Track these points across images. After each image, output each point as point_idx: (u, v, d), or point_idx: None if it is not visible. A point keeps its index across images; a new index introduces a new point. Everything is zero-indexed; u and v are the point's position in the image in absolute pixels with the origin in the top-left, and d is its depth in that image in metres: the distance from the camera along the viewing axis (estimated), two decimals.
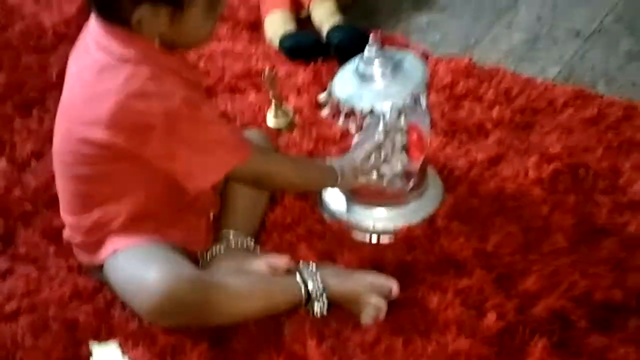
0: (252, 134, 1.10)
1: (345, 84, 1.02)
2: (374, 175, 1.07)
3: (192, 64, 1.00)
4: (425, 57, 1.41)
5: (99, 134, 0.84)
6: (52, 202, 1.12)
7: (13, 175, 1.18)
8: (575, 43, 1.47)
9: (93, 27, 0.86)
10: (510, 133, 1.20)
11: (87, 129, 0.85)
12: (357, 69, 1.02)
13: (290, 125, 1.25)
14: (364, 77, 1.00)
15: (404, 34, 1.53)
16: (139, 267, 0.86)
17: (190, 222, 0.98)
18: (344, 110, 1.01)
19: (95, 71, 0.84)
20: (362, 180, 1.01)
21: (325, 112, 1.03)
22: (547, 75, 1.38)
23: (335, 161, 1.01)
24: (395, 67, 0.99)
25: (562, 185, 1.09)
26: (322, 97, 1.04)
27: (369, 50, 0.99)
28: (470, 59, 1.39)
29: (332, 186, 1.03)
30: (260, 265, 0.93)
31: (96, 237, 0.93)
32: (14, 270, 1.02)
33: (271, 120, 1.25)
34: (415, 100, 1.00)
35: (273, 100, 1.23)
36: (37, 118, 1.31)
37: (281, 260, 0.93)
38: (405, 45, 1.45)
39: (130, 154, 0.85)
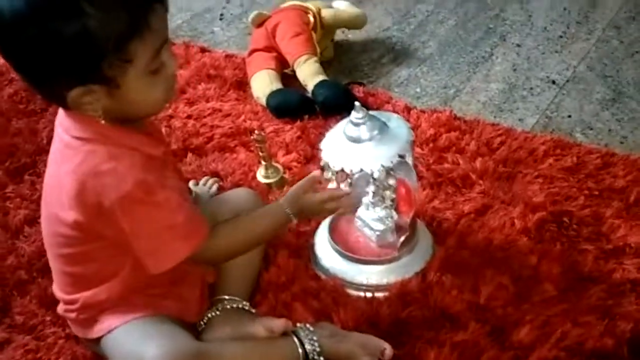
0: (242, 193, 1.12)
1: (334, 146, 1.05)
2: (366, 229, 1.10)
3: (157, 131, 0.95)
4: (407, 110, 1.45)
5: (67, 215, 0.85)
6: (47, 269, 1.11)
7: (7, 243, 1.19)
8: (550, 92, 1.53)
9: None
10: (494, 183, 1.23)
11: (59, 211, 0.87)
12: (345, 131, 1.05)
13: (281, 182, 1.27)
14: (352, 139, 1.03)
15: (385, 89, 1.58)
16: (137, 345, 0.87)
17: (183, 294, 0.98)
18: (334, 171, 1.04)
19: (60, 152, 0.86)
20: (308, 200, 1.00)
21: (327, 175, 1.05)
22: (526, 124, 1.43)
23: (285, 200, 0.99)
24: (382, 129, 1.02)
25: (548, 234, 1.12)
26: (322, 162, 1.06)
27: (356, 114, 1.03)
28: (451, 111, 1.44)
29: (288, 222, 0.99)
30: (257, 329, 0.94)
31: (89, 314, 0.93)
32: (11, 341, 1.02)
33: (262, 178, 1.28)
34: (402, 157, 1.03)
35: (263, 159, 1.26)
36: (29, 183, 1.32)
37: (278, 323, 0.93)
38: (388, 100, 1.49)
39: (100, 233, 0.86)
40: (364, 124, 1.02)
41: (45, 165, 1.34)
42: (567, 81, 1.56)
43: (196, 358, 0.85)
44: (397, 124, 1.05)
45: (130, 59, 0.76)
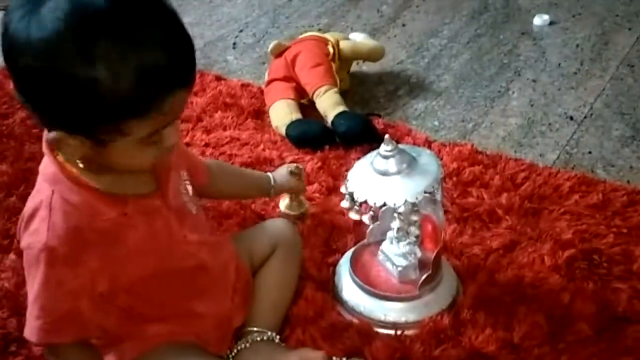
0: (279, 223, 1.11)
1: (361, 177, 1.04)
2: (388, 264, 1.08)
3: (162, 180, 0.86)
4: (428, 143, 1.44)
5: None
6: None
7: (23, 271, 1.14)
8: (569, 128, 1.53)
9: None
10: (521, 219, 1.22)
11: None
12: (372, 163, 1.03)
13: (304, 216, 1.25)
14: (380, 172, 1.02)
15: (403, 121, 1.57)
16: None
17: (200, 336, 0.94)
18: (358, 202, 1.02)
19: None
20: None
21: (344, 204, 1.04)
22: (547, 160, 1.42)
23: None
24: (411, 164, 1.01)
25: (578, 272, 1.11)
26: (343, 189, 1.05)
27: (386, 147, 1.01)
28: (473, 145, 1.43)
29: None
30: (291, 358, 0.92)
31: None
32: None
33: (284, 208, 1.25)
34: (430, 193, 1.02)
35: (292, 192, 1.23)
36: None
37: (316, 356, 0.91)
38: (407, 133, 1.48)
39: None
40: (392, 157, 1.01)
41: None
42: (585, 117, 1.56)
43: None
44: (428, 160, 1.03)
45: (128, 133, 0.72)
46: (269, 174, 1.18)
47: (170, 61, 0.70)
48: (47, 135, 0.76)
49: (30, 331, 0.80)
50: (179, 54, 0.71)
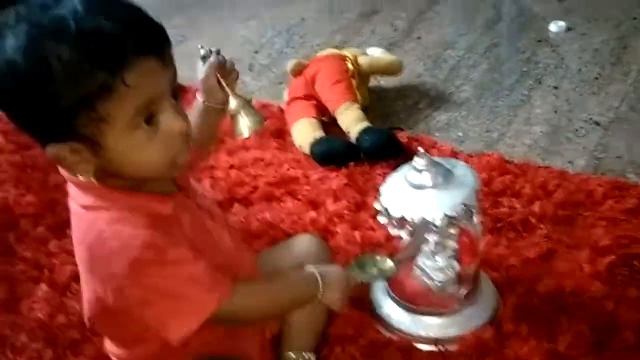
0: (305, 239, 1.09)
1: (395, 192, 1.02)
2: (425, 279, 1.06)
3: (183, 186, 0.86)
4: (454, 155, 1.43)
5: (84, 283, 0.84)
6: None
7: (55, 301, 1.15)
8: (596, 133, 1.51)
9: None
10: (556, 227, 1.20)
11: (81, 275, 0.85)
12: (406, 177, 1.02)
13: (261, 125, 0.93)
14: (415, 186, 1.00)
15: (426, 133, 1.56)
16: None
17: (240, 347, 0.94)
18: (394, 218, 1.01)
19: (71, 221, 0.82)
20: (345, 289, 0.93)
21: (382, 220, 1.03)
22: (576, 166, 1.40)
23: (317, 269, 0.92)
24: (446, 176, 0.99)
25: (619, 279, 1.08)
26: (376, 205, 1.04)
27: (420, 160, 1.00)
28: (500, 154, 1.42)
29: (313, 298, 0.91)
30: None
31: None
32: None
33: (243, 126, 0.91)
34: (466, 205, 1.00)
35: (232, 95, 0.91)
36: (72, 239, 1.28)
37: None
38: (433, 145, 1.47)
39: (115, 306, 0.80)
40: (427, 170, 0.99)
41: None
42: (611, 122, 1.54)
43: None
44: (464, 172, 1.02)
45: (104, 118, 0.69)
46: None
47: (115, 28, 0.68)
48: (49, 153, 0.73)
49: (203, 306, 0.79)
50: (122, 20, 0.69)
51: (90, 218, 0.78)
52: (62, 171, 0.78)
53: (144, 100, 0.71)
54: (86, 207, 0.78)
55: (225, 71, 0.90)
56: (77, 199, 0.79)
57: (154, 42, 0.72)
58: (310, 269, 0.91)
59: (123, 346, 0.90)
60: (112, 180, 0.77)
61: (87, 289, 0.84)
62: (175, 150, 0.76)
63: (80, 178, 0.76)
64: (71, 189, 0.80)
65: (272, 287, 0.90)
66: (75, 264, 1.19)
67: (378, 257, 1.04)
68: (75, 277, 1.19)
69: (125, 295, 0.77)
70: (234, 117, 0.89)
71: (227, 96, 0.89)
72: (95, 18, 0.67)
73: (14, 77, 0.69)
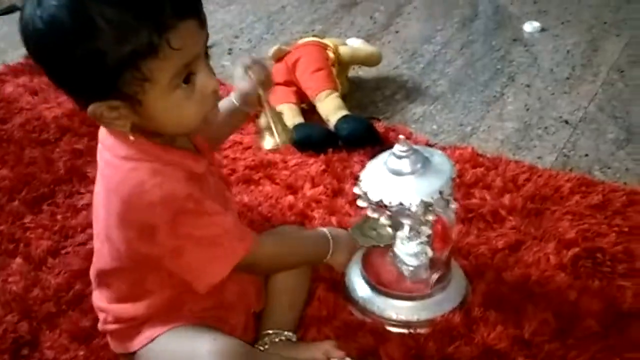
0: (291, 228, 1.12)
1: (375, 177, 1.05)
2: (399, 264, 1.09)
3: (200, 143, 0.91)
4: (429, 147, 1.46)
5: (113, 234, 0.84)
6: (77, 302, 1.09)
7: (30, 275, 1.15)
8: (565, 132, 1.56)
9: None
10: (524, 220, 1.24)
11: (104, 229, 0.86)
12: (386, 163, 1.05)
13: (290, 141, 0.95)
14: (394, 172, 1.03)
15: (402, 124, 1.59)
16: (187, 344, 0.85)
17: (228, 318, 0.96)
18: (373, 202, 1.04)
19: (102, 171, 0.85)
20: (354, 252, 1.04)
21: (361, 203, 1.05)
22: (545, 162, 1.45)
23: (329, 230, 1.02)
24: (425, 164, 1.02)
25: (583, 270, 1.13)
26: (356, 189, 1.06)
27: (400, 147, 1.03)
28: (473, 148, 1.45)
29: (323, 257, 0.99)
30: (315, 354, 0.95)
31: (129, 325, 0.91)
32: None
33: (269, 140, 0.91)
34: (441, 193, 1.03)
35: (269, 109, 0.91)
36: (49, 214, 1.29)
37: (339, 355, 0.95)
38: (408, 136, 1.50)
39: (144, 253, 0.84)
40: (407, 157, 1.02)
41: (65, 196, 1.33)
42: (580, 121, 1.59)
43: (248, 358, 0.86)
44: (441, 160, 1.05)
45: (148, 77, 0.73)
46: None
47: None
48: (89, 111, 0.76)
49: (234, 254, 0.84)
50: None
51: (129, 167, 0.80)
52: (106, 131, 0.83)
53: (185, 61, 0.74)
54: (125, 158, 0.80)
55: (264, 83, 0.91)
56: (114, 150, 0.81)
57: (193, 4, 0.75)
58: (323, 230, 1.00)
59: (126, 300, 0.90)
60: (144, 137, 0.80)
61: (111, 239, 0.85)
62: (208, 108, 0.80)
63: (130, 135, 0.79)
64: (107, 140, 0.82)
65: (292, 241, 1.00)
66: (52, 240, 1.21)
67: (378, 222, 1.06)
68: (52, 253, 1.20)
69: (161, 244, 0.80)
70: (263, 129, 0.91)
71: (261, 107, 0.91)
72: None
73: (59, 33, 0.70)
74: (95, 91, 0.74)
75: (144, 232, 0.81)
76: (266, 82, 0.92)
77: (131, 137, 0.79)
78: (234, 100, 0.96)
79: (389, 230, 1.06)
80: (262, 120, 0.91)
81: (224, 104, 0.95)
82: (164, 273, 0.86)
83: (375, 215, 1.03)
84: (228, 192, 0.94)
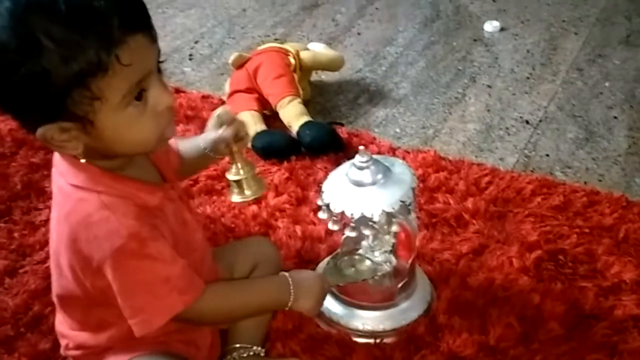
0: (261, 241, 1.11)
1: (336, 188, 1.04)
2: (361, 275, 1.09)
3: (165, 170, 0.87)
4: (392, 151, 1.47)
5: (64, 262, 0.81)
6: (36, 324, 1.07)
7: None
8: (526, 132, 1.57)
9: None
10: (487, 223, 1.25)
11: (58, 256, 0.82)
12: (348, 174, 1.04)
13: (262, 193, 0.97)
14: (355, 183, 1.02)
15: (365, 129, 1.59)
16: None
17: (194, 340, 0.94)
18: (335, 213, 1.03)
19: (55, 196, 0.82)
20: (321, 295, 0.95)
21: (322, 216, 1.05)
22: (507, 163, 1.46)
23: (292, 275, 0.93)
24: (386, 174, 1.02)
25: (546, 273, 1.14)
26: (318, 201, 1.05)
27: (361, 158, 1.02)
28: (436, 151, 1.46)
29: (284, 305, 0.92)
30: None
31: (91, 352, 0.89)
32: None
33: (230, 177, 0.92)
34: (404, 202, 1.03)
35: (240, 164, 0.91)
36: (5, 231, 1.25)
37: None
38: (371, 141, 1.50)
39: (90, 286, 0.81)
40: (367, 168, 1.02)
41: (22, 213, 1.30)
42: (540, 121, 1.61)
43: None
44: (402, 170, 1.05)
45: (98, 96, 0.69)
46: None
47: (109, 8, 0.68)
48: (39, 134, 0.73)
49: (171, 307, 0.79)
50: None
51: (78, 197, 0.77)
52: (57, 156, 0.79)
53: (137, 77, 0.71)
54: (76, 186, 0.77)
55: (237, 137, 0.91)
56: (66, 176, 0.78)
57: (142, 18, 0.72)
58: (285, 275, 0.92)
59: (85, 329, 0.88)
60: (99, 160, 0.76)
61: (62, 265, 0.82)
62: (163, 125, 0.77)
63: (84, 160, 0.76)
64: (60, 165, 0.79)
65: (243, 292, 0.90)
66: (9, 259, 1.18)
67: (356, 257, 1.03)
68: (9, 272, 1.17)
69: (103, 278, 0.77)
70: (235, 182, 0.90)
71: (233, 161, 0.91)
72: (89, 4, 0.67)
73: (1, 54, 0.67)
74: (43, 113, 0.70)
75: (87, 265, 0.78)
76: (239, 137, 0.91)
77: (82, 160, 0.76)
78: (203, 146, 0.94)
79: (368, 263, 1.03)
80: (233, 173, 0.91)
81: (191, 143, 0.96)
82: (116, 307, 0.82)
83: (337, 228, 1.02)
84: (188, 214, 0.89)
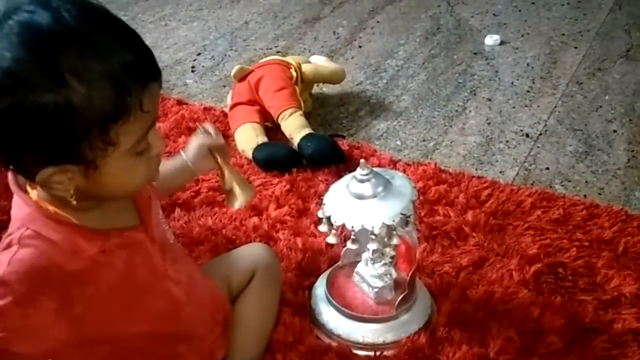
0: (257, 249, 1.11)
1: (337, 201, 1.05)
2: (364, 286, 1.10)
3: (142, 208, 0.84)
4: (393, 164, 1.47)
5: None
6: None
7: None
8: (526, 145, 1.58)
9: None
10: (487, 236, 1.26)
11: None
12: (348, 187, 1.05)
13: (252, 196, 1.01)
14: (356, 196, 1.03)
15: (366, 141, 1.60)
16: None
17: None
18: (335, 226, 1.04)
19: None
20: None
21: (322, 229, 1.05)
22: (507, 176, 1.47)
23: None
24: (386, 187, 1.03)
25: (545, 286, 1.14)
26: (319, 213, 1.06)
27: (361, 171, 1.03)
28: (436, 164, 1.47)
29: None
30: None
31: None
32: None
33: (237, 199, 0.98)
34: (404, 214, 1.04)
35: (228, 172, 0.99)
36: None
37: None
38: (372, 153, 1.51)
39: None
40: (368, 181, 1.02)
41: None
42: (540, 134, 1.62)
43: None
44: (402, 183, 1.05)
45: (115, 142, 0.69)
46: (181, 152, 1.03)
47: (135, 56, 0.69)
48: (12, 176, 0.74)
49: None
50: (138, 47, 0.70)
51: (14, 226, 0.74)
52: (12, 178, 0.75)
53: (149, 124, 0.72)
54: (18, 217, 0.75)
55: (219, 148, 0.98)
56: (14, 207, 0.76)
57: (156, 67, 0.73)
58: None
59: None
60: (81, 201, 0.74)
61: None
62: (154, 169, 0.78)
63: (35, 196, 0.74)
64: (18, 192, 0.76)
65: None
66: None
67: None
68: None
69: None
70: (229, 190, 0.98)
71: (221, 171, 0.99)
72: (117, 51, 0.67)
73: (22, 88, 0.64)
74: (52, 154, 0.68)
75: None
76: (220, 147, 0.99)
77: (74, 202, 0.72)
78: (184, 157, 1.00)
79: None
80: (226, 183, 0.98)
81: (170, 161, 1.00)
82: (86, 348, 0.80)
83: (335, 241, 1.03)
84: (161, 260, 0.85)
